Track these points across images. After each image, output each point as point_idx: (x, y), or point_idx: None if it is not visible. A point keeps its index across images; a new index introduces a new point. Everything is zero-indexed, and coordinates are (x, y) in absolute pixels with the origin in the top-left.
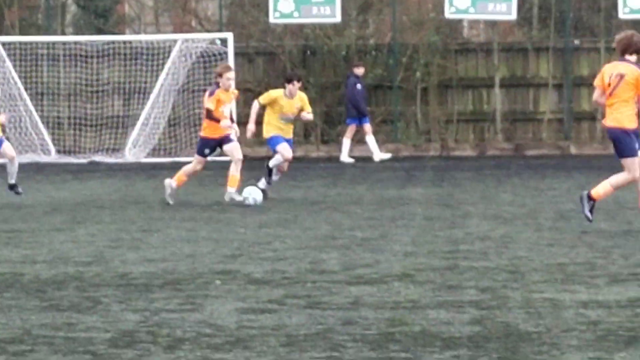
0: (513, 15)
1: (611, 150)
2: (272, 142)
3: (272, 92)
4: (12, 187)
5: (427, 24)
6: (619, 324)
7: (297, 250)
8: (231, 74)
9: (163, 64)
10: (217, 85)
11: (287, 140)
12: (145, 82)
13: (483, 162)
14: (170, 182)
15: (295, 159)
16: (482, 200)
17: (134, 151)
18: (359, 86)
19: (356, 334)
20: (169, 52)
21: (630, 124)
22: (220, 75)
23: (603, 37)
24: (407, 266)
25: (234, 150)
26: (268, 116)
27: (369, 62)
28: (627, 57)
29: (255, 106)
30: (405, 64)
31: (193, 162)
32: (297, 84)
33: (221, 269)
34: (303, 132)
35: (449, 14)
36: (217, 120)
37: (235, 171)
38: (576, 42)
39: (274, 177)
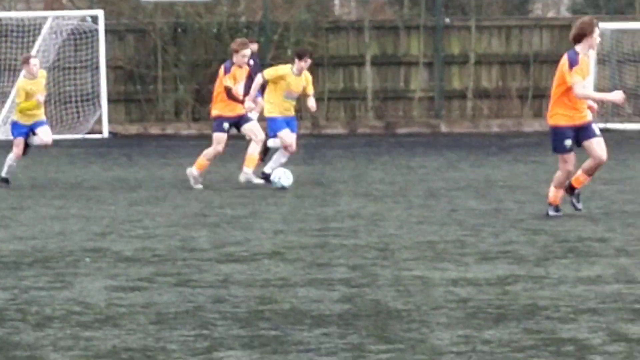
0: None
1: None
2: (274, 125)
3: (279, 67)
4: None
5: (298, 2)
6: (488, 302)
7: (167, 228)
8: (247, 51)
9: (33, 41)
10: (232, 61)
11: (290, 120)
12: (15, 60)
13: (354, 140)
14: (192, 171)
15: (165, 136)
16: (353, 179)
17: (3, 129)
18: (250, 62)
19: (226, 312)
20: (40, 29)
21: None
22: (236, 51)
23: (474, 16)
24: (277, 244)
25: (255, 130)
26: (270, 94)
27: None
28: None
29: (258, 80)
30: (276, 42)
31: (213, 144)
32: (308, 61)
33: (91, 246)
34: (174, 109)
35: None
36: (238, 100)
37: (254, 151)
38: (447, 20)
39: (282, 159)
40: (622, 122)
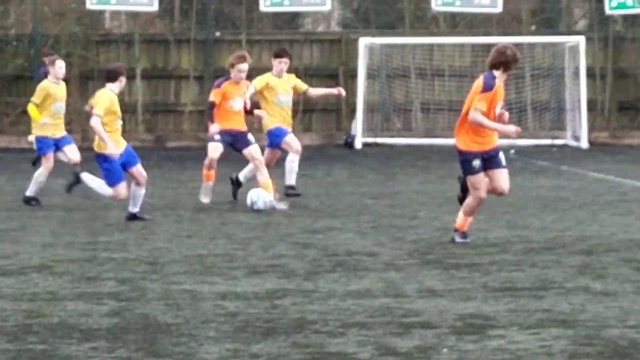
0: (154, 7)
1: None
2: (275, 134)
3: (263, 75)
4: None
5: (68, 14)
6: (257, 316)
7: None
8: (244, 66)
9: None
10: (227, 77)
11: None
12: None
13: None
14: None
15: None
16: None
17: None
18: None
19: None
20: None
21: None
22: (232, 65)
23: (244, 30)
24: (46, 257)
25: (253, 153)
26: (265, 107)
27: (10, 53)
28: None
29: (250, 90)
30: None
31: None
32: (285, 61)
33: None
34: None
35: (90, 5)
36: (211, 119)
37: (262, 177)
38: (217, 34)
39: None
40: (391, 136)
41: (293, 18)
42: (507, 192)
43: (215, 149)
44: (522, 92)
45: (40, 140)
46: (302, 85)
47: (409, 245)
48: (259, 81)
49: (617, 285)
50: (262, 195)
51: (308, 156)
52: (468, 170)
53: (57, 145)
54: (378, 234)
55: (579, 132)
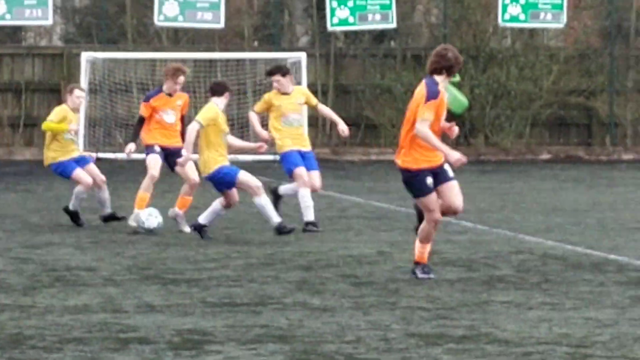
0: None
1: None
2: (287, 161)
3: (264, 96)
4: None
5: None
6: None
7: None
8: (180, 79)
9: None
10: (159, 89)
11: (306, 156)
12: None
13: None
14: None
15: None
16: None
17: None
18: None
19: None
20: None
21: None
22: (165, 75)
23: None
24: None
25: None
26: (274, 129)
27: None
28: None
29: (252, 117)
30: None
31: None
32: (279, 77)
33: None
34: None
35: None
36: (136, 134)
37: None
38: None
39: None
40: (113, 151)
41: (15, 32)
42: (461, 210)
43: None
44: (244, 109)
45: (59, 165)
46: (312, 100)
47: (128, 261)
48: (259, 104)
49: (335, 301)
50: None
51: (29, 171)
52: (421, 190)
53: (78, 162)
54: (98, 249)
55: None
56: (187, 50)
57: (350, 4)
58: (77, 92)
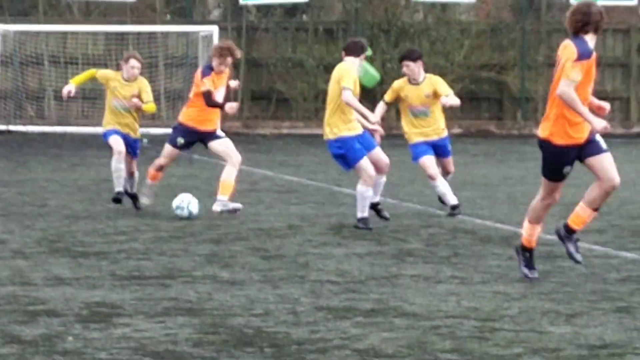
0: None
1: None
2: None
3: (394, 84)
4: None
5: None
6: None
7: None
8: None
9: None
10: (210, 66)
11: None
12: None
13: None
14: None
15: None
16: None
17: None
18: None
19: None
20: None
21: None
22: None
23: None
24: None
25: (227, 148)
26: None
27: None
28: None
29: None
30: None
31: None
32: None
33: None
34: None
35: None
36: (218, 105)
37: (228, 175)
38: None
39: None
40: (24, 124)
41: None
42: (619, 184)
43: (168, 155)
44: (156, 81)
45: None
46: (442, 90)
47: (37, 233)
48: (389, 93)
49: (244, 274)
50: (191, 202)
51: None
52: (554, 172)
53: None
54: (7, 221)
55: None
56: (99, 23)
57: None
58: (132, 61)
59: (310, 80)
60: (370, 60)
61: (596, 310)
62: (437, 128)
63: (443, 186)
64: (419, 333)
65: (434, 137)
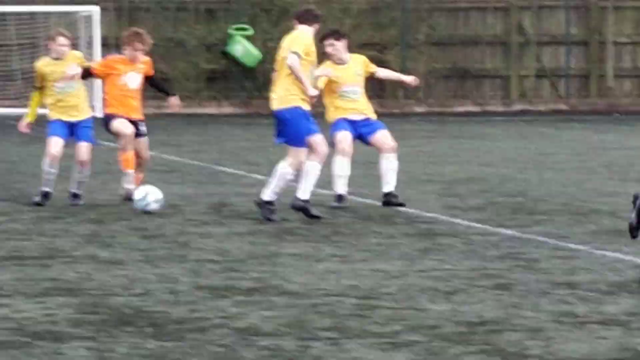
0: None
1: None
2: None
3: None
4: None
5: None
6: None
7: None
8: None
9: None
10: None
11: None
12: None
13: None
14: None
15: None
16: None
17: None
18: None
19: None
20: None
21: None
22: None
23: None
24: None
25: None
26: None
27: None
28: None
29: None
30: None
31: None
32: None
33: None
34: None
35: None
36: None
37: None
38: None
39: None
40: None
41: None
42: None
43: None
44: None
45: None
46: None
47: None
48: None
49: (125, 254)
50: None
51: None
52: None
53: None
54: None
55: (94, 101)
56: None
57: None
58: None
59: (192, 60)
60: (250, 39)
61: (475, 287)
62: (365, 108)
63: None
64: (299, 311)
65: (359, 117)
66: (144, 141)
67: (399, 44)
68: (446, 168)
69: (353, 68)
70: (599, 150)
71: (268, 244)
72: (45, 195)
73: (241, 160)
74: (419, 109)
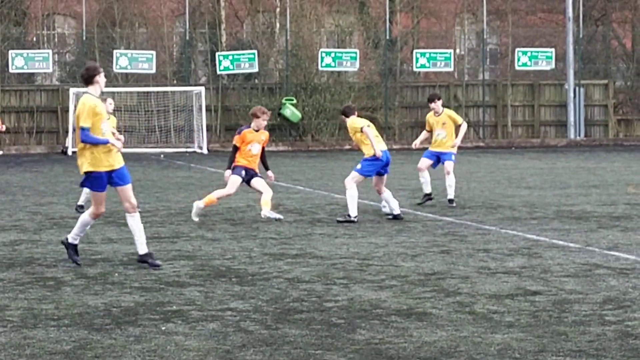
0: None
1: None
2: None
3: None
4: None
5: None
6: (2, 255)
7: None
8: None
9: None
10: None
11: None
12: None
13: None
14: (198, 204)
15: None
16: None
17: None
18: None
19: None
20: None
21: None
22: (254, 116)
23: None
24: None
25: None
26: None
27: None
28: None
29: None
30: None
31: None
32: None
33: None
34: None
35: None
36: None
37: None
38: None
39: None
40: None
41: (29, 76)
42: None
43: (233, 185)
44: (168, 120)
45: None
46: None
47: None
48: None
49: (220, 234)
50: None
51: (38, 160)
52: None
53: None
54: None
55: (202, 144)
56: (133, 86)
57: (230, 57)
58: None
59: None
60: (295, 105)
61: (429, 252)
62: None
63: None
64: (324, 268)
65: (441, 150)
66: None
67: (383, 107)
68: (411, 181)
69: (442, 118)
70: (502, 169)
71: (306, 227)
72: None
73: (289, 177)
74: (395, 146)
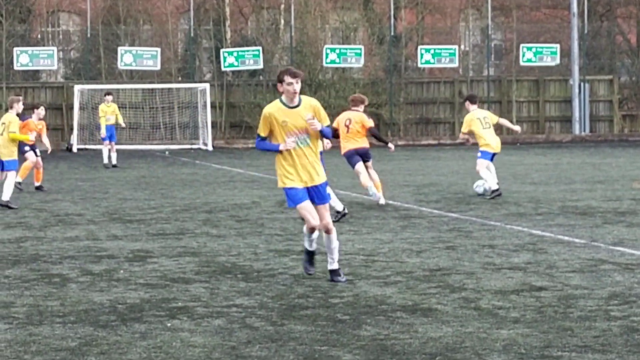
0: None
1: None
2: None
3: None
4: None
5: None
6: (8, 252)
7: None
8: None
9: None
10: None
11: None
12: None
13: None
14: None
15: None
16: None
17: None
18: None
19: None
20: None
21: None
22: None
23: None
24: None
25: None
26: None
27: None
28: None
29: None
30: None
31: None
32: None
33: None
34: None
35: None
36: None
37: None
38: None
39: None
40: (94, 144)
41: (34, 73)
42: None
43: None
44: (173, 117)
45: None
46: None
47: (102, 209)
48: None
49: (225, 231)
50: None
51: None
52: None
53: None
54: (84, 202)
55: (207, 140)
56: (138, 83)
57: (235, 54)
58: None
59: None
60: None
61: (434, 248)
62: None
63: None
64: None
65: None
66: None
67: (388, 104)
68: (416, 177)
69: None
70: (507, 165)
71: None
72: None
73: None
74: (400, 142)
